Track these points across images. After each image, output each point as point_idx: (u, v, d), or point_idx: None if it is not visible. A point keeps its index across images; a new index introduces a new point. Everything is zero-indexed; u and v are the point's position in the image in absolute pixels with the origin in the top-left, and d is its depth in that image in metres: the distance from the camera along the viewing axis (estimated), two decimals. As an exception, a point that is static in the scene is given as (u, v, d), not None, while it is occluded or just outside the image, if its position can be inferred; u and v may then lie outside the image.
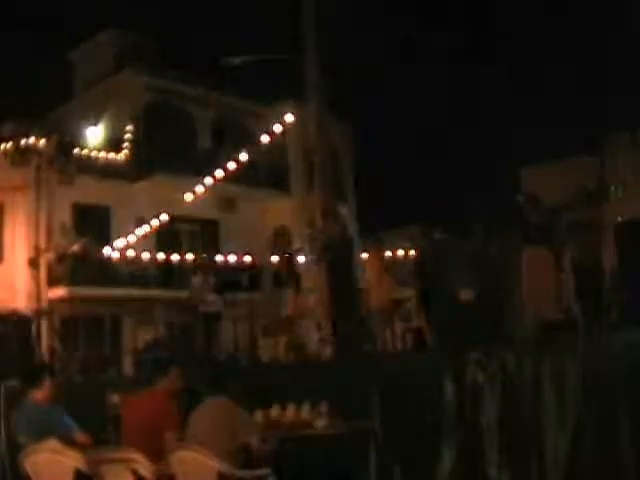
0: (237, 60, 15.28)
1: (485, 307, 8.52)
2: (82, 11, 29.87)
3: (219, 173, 16.87)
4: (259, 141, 16.23)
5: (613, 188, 20.12)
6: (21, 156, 17.78)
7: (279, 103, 21.20)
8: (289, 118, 15.46)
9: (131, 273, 18.72)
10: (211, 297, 12.43)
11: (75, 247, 17.71)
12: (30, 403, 6.00)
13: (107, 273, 18.25)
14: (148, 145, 20.38)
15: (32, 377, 6.19)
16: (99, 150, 20.21)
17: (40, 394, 5.98)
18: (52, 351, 15.77)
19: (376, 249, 11.21)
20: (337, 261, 9.12)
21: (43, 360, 13.70)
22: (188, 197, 17.16)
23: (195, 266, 15.19)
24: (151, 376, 5.63)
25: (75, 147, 19.32)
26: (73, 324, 18.17)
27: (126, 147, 20.34)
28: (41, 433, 5.49)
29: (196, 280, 12.82)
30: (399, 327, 11.64)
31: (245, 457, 4.96)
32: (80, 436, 5.83)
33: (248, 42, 16.11)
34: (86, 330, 18.56)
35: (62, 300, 17.68)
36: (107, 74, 21.57)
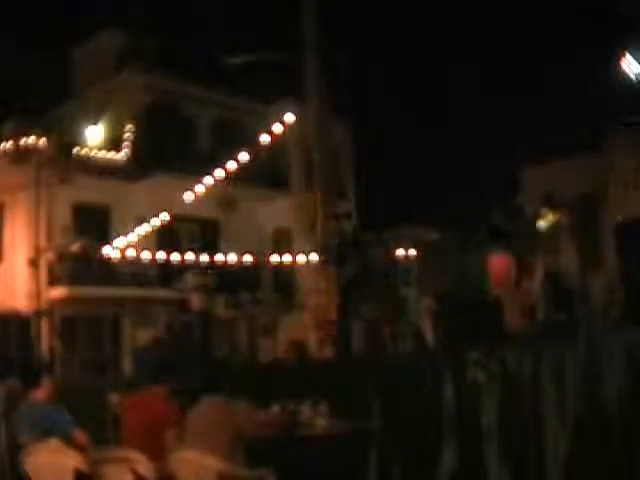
0: (237, 60, 15.27)
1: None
2: (82, 10, 29.85)
3: (219, 173, 16.85)
4: (259, 141, 16.21)
5: (613, 188, 20.11)
6: (21, 156, 17.79)
7: (279, 103, 21.20)
8: (289, 118, 15.45)
9: (131, 273, 18.72)
10: (196, 296, 12.42)
11: (75, 247, 17.71)
12: (30, 403, 6.00)
13: (107, 273, 18.26)
14: (148, 145, 20.37)
15: (32, 377, 6.19)
16: (99, 149, 20.22)
17: (40, 394, 5.98)
18: (52, 351, 15.77)
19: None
20: (342, 261, 9.15)
21: (43, 360, 13.72)
22: (188, 197, 17.14)
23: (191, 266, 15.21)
24: (151, 376, 5.63)
25: (75, 146, 19.33)
26: (73, 324, 18.18)
27: (126, 147, 20.34)
28: (41, 433, 5.49)
29: (187, 279, 12.82)
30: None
31: (244, 454, 4.96)
32: (79, 435, 5.83)
33: (248, 42, 16.10)
34: (86, 330, 18.57)
35: (62, 300, 17.69)
36: (107, 74, 21.57)
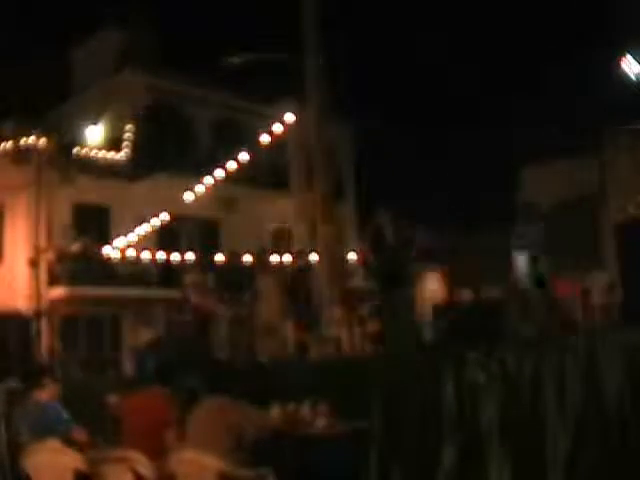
0: (237, 60, 15.29)
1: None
2: (82, 10, 29.86)
3: (219, 173, 16.86)
4: (259, 141, 16.22)
5: (613, 188, 20.09)
6: (21, 156, 17.79)
7: (279, 103, 21.20)
8: (289, 118, 15.46)
9: (131, 273, 18.72)
10: (199, 296, 12.40)
11: (75, 247, 17.71)
12: (33, 403, 5.98)
13: (107, 273, 18.25)
14: (148, 145, 20.37)
15: (35, 377, 6.18)
16: (99, 149, 20.21)
17: (43, 394, 5.97)
18: (52, 351, 15.77)
19: None
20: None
21: (45, 361, 13.73)
22: (188, 197, 17.15)
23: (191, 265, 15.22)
24: (151, 376, 5.63)
25: (75, 147, 19.33)
26: (73, 324, 18.17)
27: (126, 147, 20.34)
28: (43, 433, 5.49)
29: (187, 279, 12.82)
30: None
31: (246, 455, 4.96)
32: (79, 434, 5.82)
33: (248, 42, 16.13)
34: (86, 330, 18.56)
35: (62, 300, 17.68)
36: (107, 74, 21.56)
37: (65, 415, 5.95)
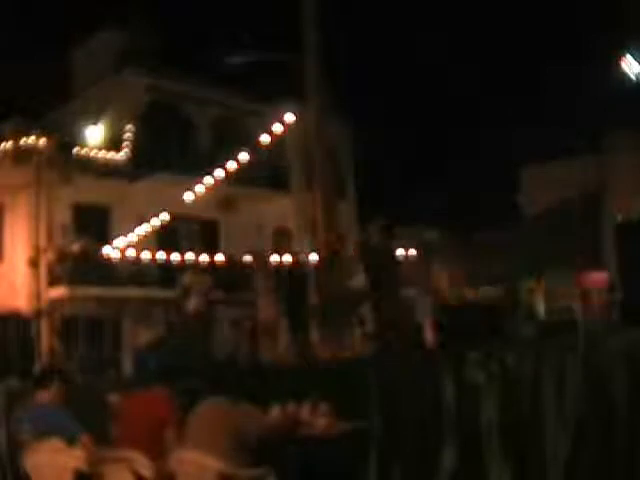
0: (237, 60, 15.30)
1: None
2: (82, 10, 29.84)
3: (219, 173, 16.86)
4: (259, 141, 16.22)
5: (613, 188, 20.10)
6: (21, 156, 17.80)
7: (279, 103, 21.20)
8: (289, 118, 15.45)
9: (131, 273, 18.72)
10: (195, 296, 12.39)
11: (75, 247, 17.71)
12: (35, 403, 5.96)
13: (107, 273, 18.26)
14: (148, 145, 20.38)
15: (42, 378, 6.16)
16: (99, 149, 20.21)
17: (48, 396, 5.94)
18: (52, 351, 15.78)
19: None
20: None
21: (56, 362, 13.75)
22: (188, 197, 17.15)
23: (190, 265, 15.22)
24: (152, 376, 5.63)
25: (75, 146, 19.32)
26: (73, 324, 18.18)
27: (126, 146, 20.34)
28: (42, 434, 5.47)
29: (184, 279, 12.80)
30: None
31: (246, 456, 4.96)
32: (84, 439, 5.78)
33: (248, 42, 16.13)
34: (86, 330, 18.57)
35: (62, 300, 17.69)
36: (107, 74, 21.56)
37: (72, 421, 5.91)
